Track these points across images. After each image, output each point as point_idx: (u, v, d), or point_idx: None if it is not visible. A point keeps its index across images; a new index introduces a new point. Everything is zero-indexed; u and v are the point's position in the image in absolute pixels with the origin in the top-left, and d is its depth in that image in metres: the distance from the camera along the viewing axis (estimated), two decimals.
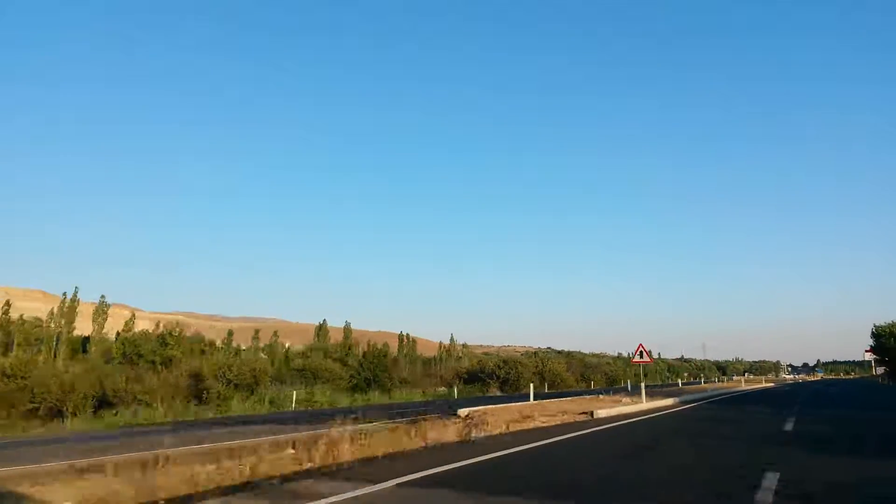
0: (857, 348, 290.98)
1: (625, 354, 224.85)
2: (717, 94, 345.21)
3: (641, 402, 20.64)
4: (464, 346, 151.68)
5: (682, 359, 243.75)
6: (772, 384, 61.13)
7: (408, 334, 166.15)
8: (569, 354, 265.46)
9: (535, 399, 23.32)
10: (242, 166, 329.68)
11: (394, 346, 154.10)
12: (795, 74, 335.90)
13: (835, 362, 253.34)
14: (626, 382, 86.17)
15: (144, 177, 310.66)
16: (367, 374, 48.28)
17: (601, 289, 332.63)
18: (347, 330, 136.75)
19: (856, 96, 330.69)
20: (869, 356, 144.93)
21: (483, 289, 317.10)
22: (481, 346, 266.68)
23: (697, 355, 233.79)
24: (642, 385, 22.05)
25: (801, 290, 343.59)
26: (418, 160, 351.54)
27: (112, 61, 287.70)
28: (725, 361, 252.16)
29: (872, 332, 72.44)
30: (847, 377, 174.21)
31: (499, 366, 62.35)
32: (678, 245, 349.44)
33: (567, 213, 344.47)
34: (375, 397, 42.07)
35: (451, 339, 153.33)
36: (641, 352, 22.28)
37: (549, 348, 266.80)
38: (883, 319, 72.98)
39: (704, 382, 68.04)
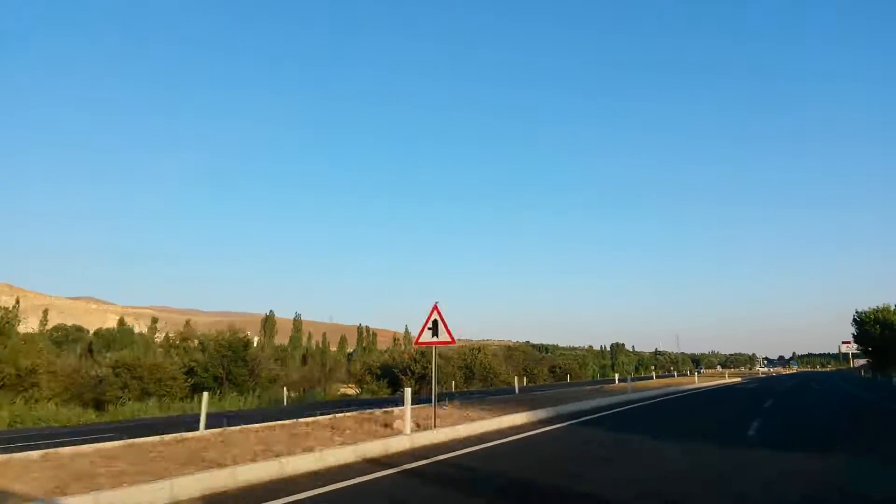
0: (832, 341, 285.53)
1: (596, 347, 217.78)
2: (697, 92, 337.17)
3: (402, 432, 9.42)
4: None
5: (656, 352, 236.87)
6: (738, 379, 50.74)
7: (367, 327, 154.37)
8: (544, 348, 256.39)
9: (207, 429, 11.71)
10: (230, 158, 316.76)
11: (353, 339, 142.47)
12: (771, 74, 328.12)
13: (810, 355, 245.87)
14: (571, 377, 75.59)
15: (126, 172, 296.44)
16: (215, 370, 36.77)
17: (584, 283, 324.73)
18: (297, 322, 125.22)
19: (828, 92, 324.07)
20: (846, 347, 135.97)
21: (473, 284, 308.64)
22: (462, 340, 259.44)
23: (673, 348, 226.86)
24: (408, 394, 10.49)
25: (777, 283, 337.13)
26: (426, 155, 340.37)
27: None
28: (701, 354, 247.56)
29: (854, 319, 62.39)
30: (823, 370, 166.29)
31: (414, 359, 50.94)
32: (657, 238, 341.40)
33: (566, 210, 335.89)
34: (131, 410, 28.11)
35: (406, 331, 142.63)
36: (435, 322, 10.70)
37: (527, 342, 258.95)
38: (861, 308, 63.45)
39: (657, 377, 57.21)
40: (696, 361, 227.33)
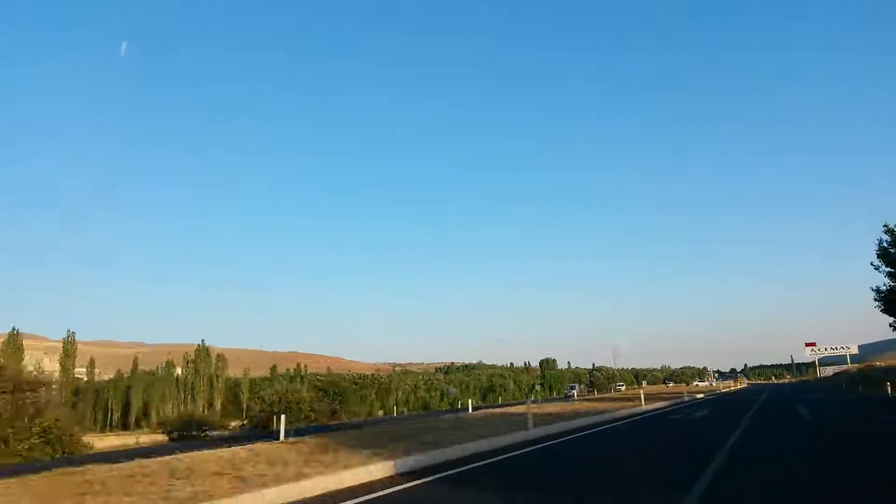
0: (784, 352, 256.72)
1: (518, 364, 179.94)
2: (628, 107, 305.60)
3: None
4: (218, 357, 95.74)
5: (593, 367, 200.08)
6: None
7: (206, 346, 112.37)
8: (470, 367, 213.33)
9: None
10: (183, 188, 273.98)
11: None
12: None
13: (762, 366, 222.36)
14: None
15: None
16: None
17: (532, 298, 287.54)
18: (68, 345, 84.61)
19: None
20: (810, 352, 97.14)
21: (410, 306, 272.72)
22: (414, 363, 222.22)
23: (625, 363, 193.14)
24: None
25: (729, 295, 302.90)
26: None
27: None
28: (648, 369, 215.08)
29: (883, 245, 22.97)
30: (780, 381, 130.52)
31: None
32: (607, 253, 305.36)
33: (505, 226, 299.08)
34: None
35: (203, 344, 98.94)
36: None
37: (478, 362, 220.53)
38: (815, 326, 23.73)
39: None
40: (636, 376, 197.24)
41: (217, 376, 79.48)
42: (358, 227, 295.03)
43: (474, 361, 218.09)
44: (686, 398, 31.23)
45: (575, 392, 60.20)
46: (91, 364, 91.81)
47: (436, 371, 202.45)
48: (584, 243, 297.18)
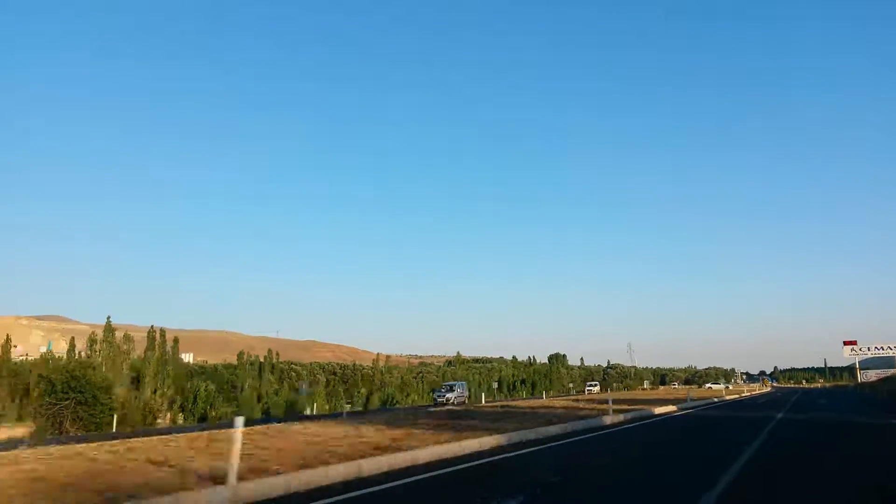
0: (817, 357, 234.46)
1: (521, 358, 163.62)
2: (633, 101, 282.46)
3: None
4: (127, 336, 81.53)
5: (608, 365, 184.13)
6: None
7: (112, 325, 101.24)
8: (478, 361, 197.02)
9: None
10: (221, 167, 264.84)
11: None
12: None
13: (793, 370, 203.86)
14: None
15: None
16: None
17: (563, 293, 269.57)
18: None
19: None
20: (849, 353, 79.13)
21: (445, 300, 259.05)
22: (435, 356, 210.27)
23: (637, 360, 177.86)
24: None
25: (761, 296, 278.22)
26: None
27: None
28: (668, 369, 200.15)
29: None
30: (810, 386, 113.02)
31: None
32: (640, 249, 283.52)
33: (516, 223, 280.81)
34: None
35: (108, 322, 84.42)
36: None
37: (499, 357, 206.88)
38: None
39: None
40: (663, 377, 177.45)
41: (122, 363, 65.51)
42: (388, 223, 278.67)
43: (494, 356, 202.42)
44: (594, 423, 14.78)
45: (453, 396, 38.84)
46: (7, 341, 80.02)
47: (444, 364, 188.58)
48: (616, 244, 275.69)
